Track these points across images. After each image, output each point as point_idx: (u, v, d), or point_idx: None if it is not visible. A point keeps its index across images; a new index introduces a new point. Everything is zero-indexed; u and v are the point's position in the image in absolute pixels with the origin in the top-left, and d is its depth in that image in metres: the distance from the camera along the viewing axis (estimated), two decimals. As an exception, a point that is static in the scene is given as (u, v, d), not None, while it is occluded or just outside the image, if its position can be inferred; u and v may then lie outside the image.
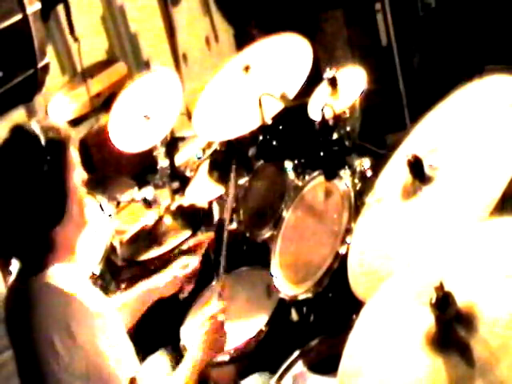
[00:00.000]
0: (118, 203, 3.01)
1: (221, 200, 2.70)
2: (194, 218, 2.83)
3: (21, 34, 2.51)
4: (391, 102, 3.86)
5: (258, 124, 2.38)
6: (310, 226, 2.25)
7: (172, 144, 3.16)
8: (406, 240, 1.48)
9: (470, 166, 1.46)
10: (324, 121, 2.23)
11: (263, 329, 2.17)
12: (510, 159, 1.38)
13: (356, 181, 2.22)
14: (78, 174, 1.71)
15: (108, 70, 3.69)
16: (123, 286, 2.59)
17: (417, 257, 1.33)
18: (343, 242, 2.01)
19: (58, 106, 3.47)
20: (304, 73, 2.41)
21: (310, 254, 2.17)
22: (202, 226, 2.76)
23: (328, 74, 2.36)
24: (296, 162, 2.47)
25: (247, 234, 2.47)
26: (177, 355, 2.24)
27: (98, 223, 2.61)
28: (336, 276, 2.00)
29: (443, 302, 1.09)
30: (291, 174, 2.43)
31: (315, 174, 2.32)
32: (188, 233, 2.75)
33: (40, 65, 2.61)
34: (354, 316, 1.33)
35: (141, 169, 3.30)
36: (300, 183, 2.39)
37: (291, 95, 2.37)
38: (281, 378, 2.00)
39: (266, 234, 2.40)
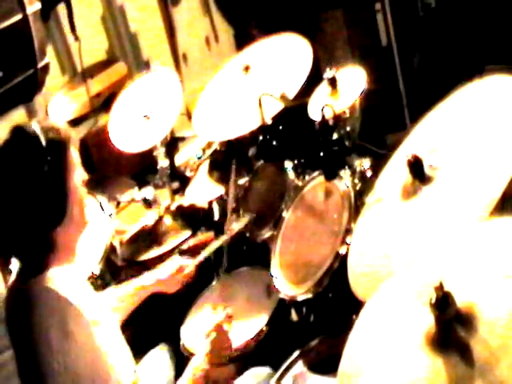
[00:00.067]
0: (118, 203, 3.01)
1: (221, 200, 2.70)
2: (193, 218, 2.83)
3: (21, 34, 2.50)
4: (391, 102, 3.86)
5: (257, 124, 2.38)
6: (310, 226, 2.25)
7: (172, 144, 3.15)
8: (406, 240, 1.48)
9: (470, 166, 1.46)
10: (324, 121, 2.23)
11: (263, 329, 2.17)
12: (509, 159, 1.38)
13: (356, 181, 2.22)
14: (78, 175, 1.71)
15: (108, 70, 3.68)
16: (123, 286, 2.59)
17: (417, 257, 1.34)
18: (343, 242, 2.01)
19: (58, 106, 3.46)
20: (304, 73, 2.41)
21: (310, 254, 2.17)
22: (202, 226, 2.76)
23: (328, 74, 2.36)
24: (296, 161, 2.47)
25: (247, 234, 2.47)
26: (177, 350, 2.25)
27: (98, 223, 2.61)
28: (336, 276, 2.00)
29: (443, 302, 1.09)
30: (291, 174, 2.43)
31: (315, 174, 2.32)
32: (188, 233, 2.75)
33: (40, 65, 2.60)
34: (354, 316, 1.33)
35: (141, 169, 3.29)
36: (300, 183, 2.39)
37: (291, 95, 2.37)
38: (281, 377, 2.00)
39: (266, 234, 2.40)
